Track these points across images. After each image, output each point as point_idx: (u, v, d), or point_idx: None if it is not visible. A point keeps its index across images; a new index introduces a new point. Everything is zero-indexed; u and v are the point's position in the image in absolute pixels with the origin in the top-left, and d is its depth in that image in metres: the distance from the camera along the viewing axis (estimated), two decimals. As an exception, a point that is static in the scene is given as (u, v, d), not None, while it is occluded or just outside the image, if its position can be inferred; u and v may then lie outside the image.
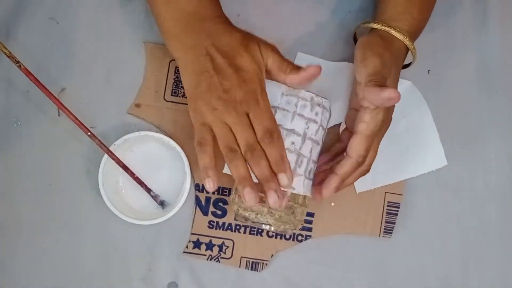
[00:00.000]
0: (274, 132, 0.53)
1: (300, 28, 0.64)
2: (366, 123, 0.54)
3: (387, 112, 0.55)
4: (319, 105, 0.56)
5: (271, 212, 0.55)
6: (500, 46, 0.66)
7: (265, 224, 0.56)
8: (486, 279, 0.64)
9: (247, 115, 0.53)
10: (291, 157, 0.55)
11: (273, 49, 0.55)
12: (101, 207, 0.60)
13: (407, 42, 0.56)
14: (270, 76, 0.56)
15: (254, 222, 0.56)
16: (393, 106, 0.56)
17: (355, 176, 0.56)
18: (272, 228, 0.56)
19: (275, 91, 0.56)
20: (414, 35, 0.58)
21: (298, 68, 0.54)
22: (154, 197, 0.61)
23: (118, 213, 0.59)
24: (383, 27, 0.56)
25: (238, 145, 0.53)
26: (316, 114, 0.56)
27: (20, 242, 0.62)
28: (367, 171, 0.57)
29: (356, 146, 0.54)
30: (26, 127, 0.63)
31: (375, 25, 0.57)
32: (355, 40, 0.62)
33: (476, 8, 0.66)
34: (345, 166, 0.55)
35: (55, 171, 0.63)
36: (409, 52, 0.58)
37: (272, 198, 0.52)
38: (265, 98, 0.53)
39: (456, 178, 0.65)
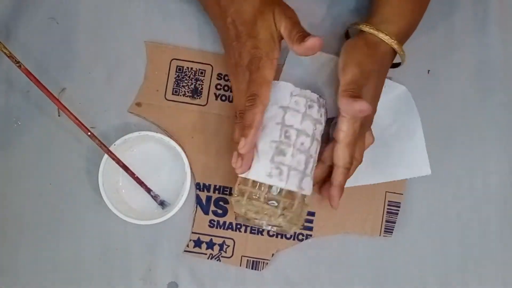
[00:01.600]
0: (256, 98, 0.53)
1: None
2: (344, 132, 0.54)
3: (365, 119, 0.55)
4: (323, 106, 0.57)
5: (283, 214, 0.54)
6: (500, 46, 0.66)
7: (265, 225, 0.56)
8: (486, 279, 0.64)
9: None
10: (301, 157, 0.54)
11: (288, 15, 0.55)
12: (101, 207, 0.60)
13: (394, 45, 0.56)
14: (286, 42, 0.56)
15: (255, 224, 0.56)
16: (375, 107, 0.57)
17: (351, 173, 0.58)
18: (274, 229, 0.56)
19: (284, 91, 0.56)
20: (403, 38, 0.58)
21: (303, 38, 0.54)
22: (154, 197, 0.61)
23: (118, 213, 0.59)
24: (370, 30, 0.56)
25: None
26: (321, 115, 0.56)
27: (20, 242, 0.62)
28: (360, 162, 0.58)
29: (339, 156, 0.55)
30: (26, 127, 0.63)
31: (363, 27, 0.57)
32: (348, 38, 0.62)
33: (476, 8, 0.66)
34: (337, 176, 0.56)
35: (55, 171, 0.63)
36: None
37: (233, 159, 0.55)
38: (268, 65, 0.54)
39: (456, 178, 0.65)
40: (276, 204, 0.54)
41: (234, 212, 0.57)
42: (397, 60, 0.60)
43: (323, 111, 0.57)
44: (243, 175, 0.55)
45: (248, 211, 0.55)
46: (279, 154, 0.54)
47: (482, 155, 0.65)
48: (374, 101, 0.57)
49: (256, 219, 0.55)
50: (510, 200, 0.65)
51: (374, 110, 0.57)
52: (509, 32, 0.66)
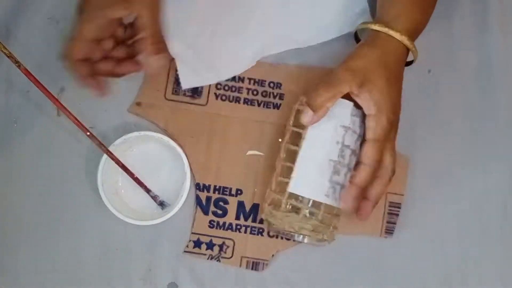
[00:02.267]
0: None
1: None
2: (371, 129, 0.54)
3: (392, 113, 0.54)
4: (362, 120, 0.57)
5: (318, 224, 0.56)
6: (500, 46, 0.66)
7: (298, 235, 0.57)
8: (486, 279, 0.64)
9: None
10: (348, 175, 0.56)
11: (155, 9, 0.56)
12: (101, 207, 0.60)
13: (406, 42, 0.56)
14: None
15: (287, 234, 0.57)
16: (398, 104, 0.56)
17: (381, 186, 0.56)
18: (306, 240, 0.57)
19: (346, 110, 0.55)
20: (414, 34, 0.58)
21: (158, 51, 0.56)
22: (154, 197, 0.61)
23: (117, 214, 0.59)
24: (380, 28, 0.56)
25: None
26: (361, 129, 0.56)
27: (20, 242, 0.62)
28: (391, 175, 0.56)
29: (367, 153, 0.54)
30: (26, 127, 0.63)
31: (373, 26, 0.56)
32: (357, 41, 0.62)
33: (476, 7, 0.66)
34: (359, 172, 0.55)
35: (55, 171, 0.63)
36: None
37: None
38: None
39: (456, 178, 0.65)
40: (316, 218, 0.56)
41: (268, 221, 0.58)
42: (410, 58, 0.59)
43: (363, 125, 0.57)
44: (294, 191, 0.55)
45: (286, 223, 0.56)
46: (335, 174, 0.55)
47: (482, 155, 0.65)
48: (388, 92, 0.55)
49: (291, 231, 0.56)
50: (510, 200, 0.65)
51: (398, 108, 0.56)
52: (509, 32, 0.66)
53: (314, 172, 0.55)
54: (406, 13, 0.57)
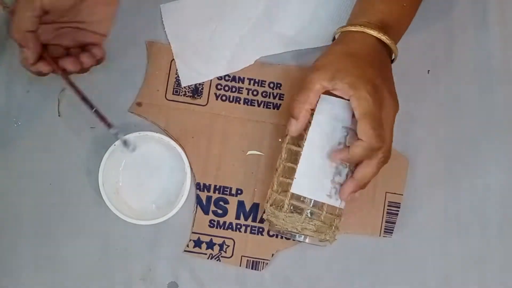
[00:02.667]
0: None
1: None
2: (356, 107, 0.52)
3: (371, 86, 0.52)
4: None
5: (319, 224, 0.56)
6: (499, 46, 0.66)
7: (299, 235, 0.57)
8: (486, 279, 0.64)
9: None
10: (349, 175, 0.56)
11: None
12: (101, 207, 0.60)
13: (370, 31, 0.55)
14: None
15: (288, 234, 0.57)
16: (379, 84, 0.54)
17: (369, 167, 0.54)
18: (308, 240, 0.57)
19: (348, 111, 0.55)
20: (389, 28, 0.56)
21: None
22: (115, 135, 0.59)
23: (118, 213, 0.59)
24: (348, 27, 0.56)
25: None
26: None
27: (20, 242, 0.62)
28: (387, 157, 0.55)
29: (361, 130, 0.52)
30: (26, 127, 0.63)
31: (343, 28, 0.56)
32: None
33: (476, 7, 0.66)
34: (354, 148, 0.53)
35: (55, 171, 0.63)
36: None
37: None
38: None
39: (456, 178, 0.65)
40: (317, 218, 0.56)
41: (269, 221, 0.58)
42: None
43: None
44: (296, 192, 0.55)
45: (287, 223, 0.56)
46: (337, 174, 0.55)
47: (482, 155, 0.65)
48: (363, 76, 0.54)
49: (293, 232, 0.57)
50: (510, 200, 0.65)
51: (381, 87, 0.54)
52: (508, 32, 0.66)
53: (316, 173, 0.55)
54: (367, 7, 0.57)
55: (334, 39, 0.59)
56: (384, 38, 0.55)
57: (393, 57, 0.58)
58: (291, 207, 0.56)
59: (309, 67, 0.55)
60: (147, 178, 0.62)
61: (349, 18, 0.59)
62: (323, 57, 0.55)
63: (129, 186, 0.62)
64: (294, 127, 0.55)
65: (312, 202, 0.56)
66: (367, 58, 0.55)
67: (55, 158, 0.63)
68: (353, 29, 0.55)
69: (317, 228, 0.56)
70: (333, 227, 0.57)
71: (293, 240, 0.60)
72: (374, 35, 0.55)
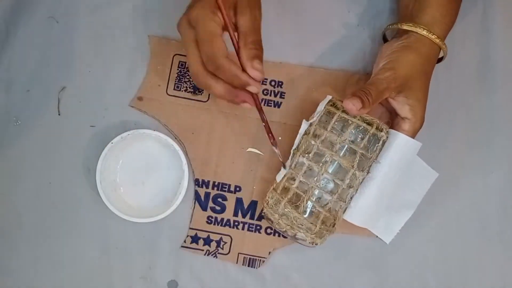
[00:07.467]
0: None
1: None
2: (405, 132, 0.57)
3: (424, 116, 0.58)
4: None
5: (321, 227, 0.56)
6: (500, 46, 0.66)
7: (302, 238, 0.57)
8: (486, 279, 0.64)
9: None
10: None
11: (253, 13, 0.55)
12: (101, 205, 0.60)
13: (443, 46, 0.58)
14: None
15: (285, 232, 0.57)
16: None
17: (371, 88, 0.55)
18: (307, 241, 0.57)
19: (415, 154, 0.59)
20: (446, 36, 0.60)
21: (254, 57, 0.54)
22: (279, 156, 0.59)
23: (116, 211, 0.59)
24: (424, 32, 0.57)
25: None
26: None
27: (20, 241, 0.62)
28: (384, 86, 0.55)
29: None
30: (26, 127, 0.63)
31: (412, 28, 0.58)
32: (385, 40, 0.63)
33: (476, 8, 0.66)
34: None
35: (55, 170, 0.63)
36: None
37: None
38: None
39: (456, 178, 0.65)
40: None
41: (268, 219, 0.58)
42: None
43: None
44: (350, 220, 0.58)
45: (292, 225, 0.56)
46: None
47: (482, 155, 0.65)
48: (424, 98, 0.58)
49: (288, 230, 0.57)
50: (510, 200, 0.65)
51: (423, 109, 0.58)
52: (509, 32, 0.66)
53: (373, 205, 0.58)
54: (440, 17, 0.58)
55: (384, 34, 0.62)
56: (446, 49, 0.59)
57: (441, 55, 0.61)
58: (290, 206, 0.56)
59: (378, 58, 0.58)
60: (145, 176, 0.62)
61: (410, 16, 0.59)
62: (404, 66, 0.56)
63: (127, 184, 0.62)
64: (357, 108, 0.53)
65: (312, 202, 0.55)
66: (430, 70, 0.59)
67: (55, 157, 0.63)
68: (433, 39, 0.58)
69: (314, 228, 0.56)
70: (331, 227, 0.57)
71: (289, 238, 0.60)
72: (444, 51, 0.59)
